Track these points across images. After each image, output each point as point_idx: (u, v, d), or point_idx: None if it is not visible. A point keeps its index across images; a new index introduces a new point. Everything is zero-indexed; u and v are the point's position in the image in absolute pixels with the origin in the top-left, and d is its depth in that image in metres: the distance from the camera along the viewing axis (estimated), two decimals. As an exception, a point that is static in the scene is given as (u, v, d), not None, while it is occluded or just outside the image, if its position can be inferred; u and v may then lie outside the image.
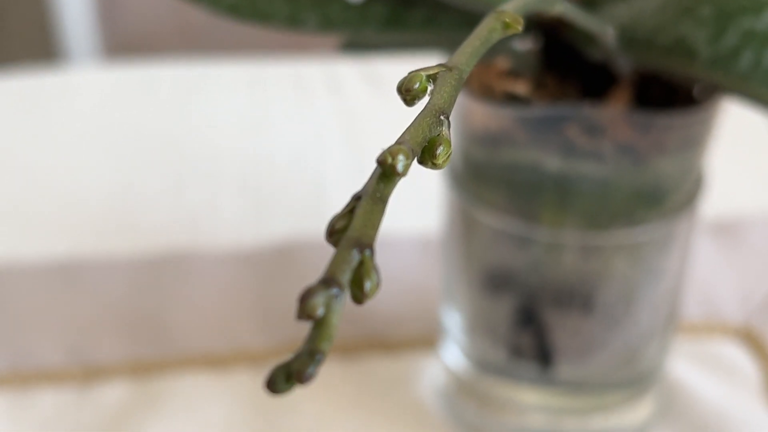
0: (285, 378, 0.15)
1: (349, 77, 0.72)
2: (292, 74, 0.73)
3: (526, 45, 0.41)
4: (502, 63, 0.40)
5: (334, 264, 0.15)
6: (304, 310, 0.15)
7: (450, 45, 0.41)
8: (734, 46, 0.34)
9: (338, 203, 0.61)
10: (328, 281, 0.15)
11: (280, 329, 0.51)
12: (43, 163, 0.66)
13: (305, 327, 0.50)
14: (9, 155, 0.67)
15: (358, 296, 0.15)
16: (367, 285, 0.15)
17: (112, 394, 0.48)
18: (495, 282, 0.42)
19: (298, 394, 0.48)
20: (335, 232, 0.16)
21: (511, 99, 0.39)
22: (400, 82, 0.19)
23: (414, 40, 0.41)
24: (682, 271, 0.43)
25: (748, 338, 0.51)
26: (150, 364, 0.50)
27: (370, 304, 0.52)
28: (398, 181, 0.17)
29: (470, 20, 0.37)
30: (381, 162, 0.16)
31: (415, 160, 0.18)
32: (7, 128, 0.71)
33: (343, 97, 0.70)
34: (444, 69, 0.20)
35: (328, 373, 0.49)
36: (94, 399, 0.48)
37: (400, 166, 0.16)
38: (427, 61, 0.24)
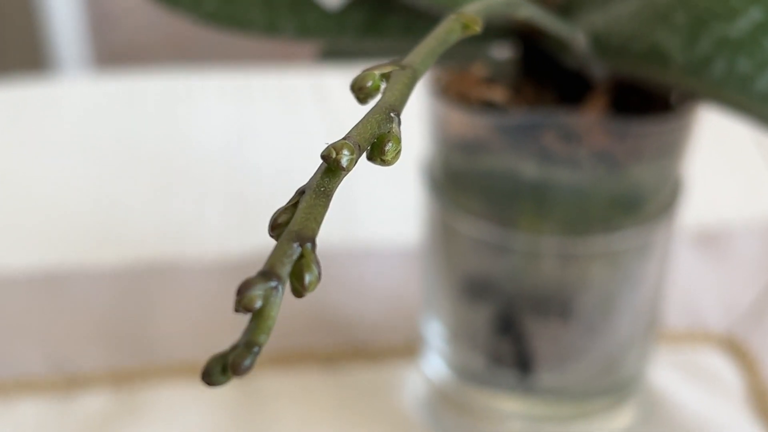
0: (221, 369, 0.15)
1: (335, 87, 0.72)
2: (278, 84, 0.73)
3: (504, 53, 0.41)
4: (479, 70, 0.41)
5: (274, 257, 0.15)
6: (241, 302, 0.15)
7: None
8: (708, 53, 0.34)
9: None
10: (267, 274, 0.15)
11: (262, 338, 0.51)
12: (29, 172, 0.66)
13: (285, 337, 0.49)
14: (-4, 166, 0.67)
15: (298, 289, 0.15)
16: (307, 278, 0.15)
17: (94, 403, 0.48)
18: (474, 290, 0.42)
19: (280, 403, 0.48)
20: (277, 226, 0.16)
21: (488, 106, 0.39)
22: (353, 81, 0.19)
23: (392, 48, 0.41)
24: (662, 278, 0.43)
25: (732, 347, 0.51)
26: (132, 374, 0.50)
27: (350, 313, 0.52)
28: (343, 176, 0.17)
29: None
30: (325, 157, 0.16)
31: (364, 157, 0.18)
32: (-4, 139, 0.71)
33: (329, 107, 0.70)
34: (398, 67, 0.20)
35: (310, 382, 0.49)
36: (76, 408, 0.48)
37: (344, 161, 0.16)
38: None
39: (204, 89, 0.73)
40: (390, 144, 0.18)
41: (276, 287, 0.15)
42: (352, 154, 0.17)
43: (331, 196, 0.16)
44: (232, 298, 0.49)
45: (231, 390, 0.49)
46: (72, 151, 0.68)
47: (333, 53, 0.42)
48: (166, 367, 0.50)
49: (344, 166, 0.16)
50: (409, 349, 0.50)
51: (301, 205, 0.16)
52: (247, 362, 0.14)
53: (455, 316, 0.44)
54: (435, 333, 0.45)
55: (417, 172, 0.44)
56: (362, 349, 0.51)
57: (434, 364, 0.46)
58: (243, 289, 0.15)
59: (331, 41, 0.41)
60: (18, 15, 1.35)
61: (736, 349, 0.51)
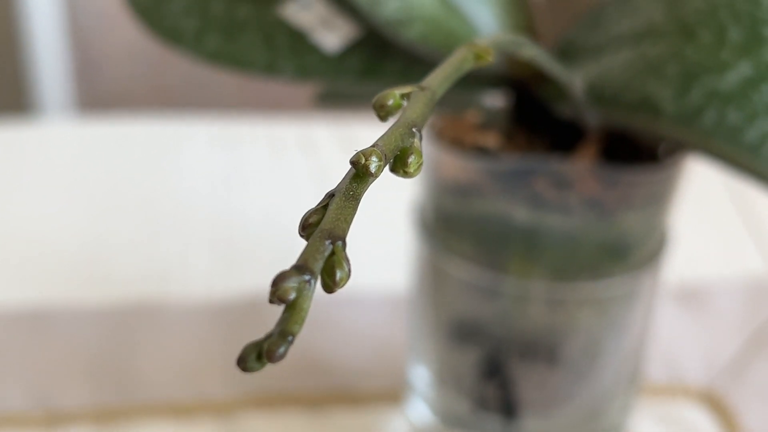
0: (256, 356, 0.15)
1: (323, 139, 0.73)
2: (265, 133, 0.74)
3: (496, 102, 0.42)
4: (473, 117, 0.41)
5: (307, 252, 0.16)
6: (276, 293, 0.15)
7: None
8: (698, 105, 0.35)
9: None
10: (300, 268, 0.15)
11: (246, 381, 0.51)
12: (15, 213, 0.66)
13: (270, 380, 0.49)
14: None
15: (329, 284, 0.16)
16: (338, 274, 0.16)
17: (76, 440, 0.48)
18: (462, 333, 0.43)
19: (263, 445, 0.48)
20: (308, 226, 0.17)
21: (481, 152, 0.40)
22: (375, 99, 0.20)
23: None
24: (645, 328, 0.44)
25: (711, 402, 0.51)
26: (115, 411, 0.49)
27: (335, 358, 0.53)
28: (371, 181, 0.17)
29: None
30: (354, 162, 0.17)
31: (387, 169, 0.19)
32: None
33: (316, 158, 0.71)
34: (417, 89, 0.20)
35: (294, 426, 0.49)
36: (57, 444, 0.48)
37: (372, 167, 0.17)
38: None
39: (190, 135, 0.74)
40: (412, 157, 0.18)
41: (309, 281, 0.15)
42: (380, 160, 0.17)
43: (359, 200, 0.17)
44: (216, 339, 0.49)
45: (213, 430, 0.49)
46: (58, 193, 0.68)
47: (331, 96, 0.43)
48: (149, 406, 0.50)
49: (372, 171, 0.17)
50: (393, 394, 0.50)
51: (332, 207, 0.17)
52: (281, 350, 0.15)
53: (441, 361, 0.44)
54: (420, 377, 0.46)
55: (408, 215, 0.45)
56: (347, 393, 0.51)
57: (419, 409, 0.46)
58: (278, 281, 0.15)
59: (330, 84, 0.42)
60: (2, 59, 1.36)
61: (715, 403, 0.51)
